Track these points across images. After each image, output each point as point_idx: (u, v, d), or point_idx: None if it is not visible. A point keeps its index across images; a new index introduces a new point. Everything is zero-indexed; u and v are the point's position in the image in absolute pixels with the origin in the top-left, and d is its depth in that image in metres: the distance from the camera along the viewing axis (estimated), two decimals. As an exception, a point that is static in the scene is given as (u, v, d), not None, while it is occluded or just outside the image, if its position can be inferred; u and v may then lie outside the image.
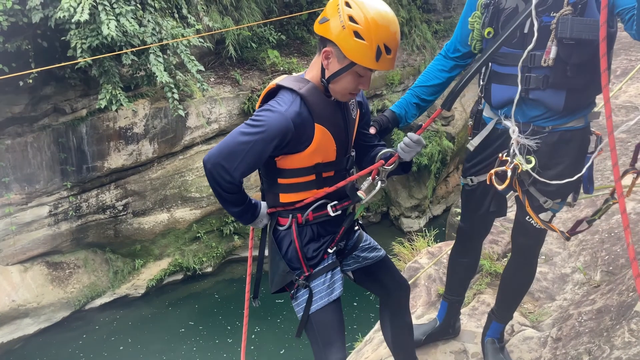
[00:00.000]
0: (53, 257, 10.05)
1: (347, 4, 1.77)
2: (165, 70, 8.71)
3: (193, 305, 10.63)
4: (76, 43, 7.85)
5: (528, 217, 2.32)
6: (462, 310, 3.14)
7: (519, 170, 2.15)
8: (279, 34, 12.11)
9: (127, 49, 8.21)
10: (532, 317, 3.07)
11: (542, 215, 2.27)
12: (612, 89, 5.44)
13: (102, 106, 8.47)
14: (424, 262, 3.60)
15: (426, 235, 4.03)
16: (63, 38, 8.07)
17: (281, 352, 8.98)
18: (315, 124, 1.87)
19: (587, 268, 3.31)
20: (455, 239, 2.79)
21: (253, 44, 11.67)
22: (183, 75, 9.92)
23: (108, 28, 7.61)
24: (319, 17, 1.86)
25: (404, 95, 2.48)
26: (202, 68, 9.24)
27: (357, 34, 1.75)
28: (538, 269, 3.44)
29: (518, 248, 2.52)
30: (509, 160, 2.17)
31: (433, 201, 13.86)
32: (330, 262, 2.13)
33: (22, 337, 9.40)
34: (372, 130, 2.20)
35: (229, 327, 9.67)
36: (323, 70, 1.88)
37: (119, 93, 8.55)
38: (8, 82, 7.76)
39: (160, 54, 8.67)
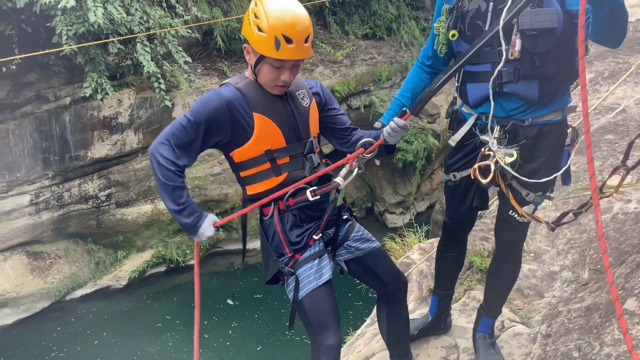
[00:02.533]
0: (33, 246, 9.89)
1: (255, 3, 1.99)
2: (152, 60, 8.60)
3: (172, 298, 10.53)
4: (61, 30, 7.70)
5: (511, 211, 2.37)
6: (453, 306, 3.17)
7: (502, 164, 2.20)
8: (268, 26, 12.05)
9: (113, 37, 8.09)
10: (522, 314, 3.12)
11: (525, 209, 2.32)
12: (600, 90, 5.54)
13: (87, 95, 8.34)
14: (415, 257, 3.63)
15: (417, 231, 4.06)
16: (48, 24, 7.91)
17: (258, 349, 8.95)
18: (254, 114, 2.04)
19: (575, 266, 3.37)
20: (441, 234, 2.83)
21: (241, 36, 11.57)
22: (170, 65, 9.81)
23: (95, 15, 7.48)
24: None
25: (390, 105, 2.60)
26: (189, 59, 9.15)
27: (258, 28, 1.95)
28: (527, 266, 3.51)
29: (502, 243, 2.57)
30: (492, 155, 2.22)
31: (417, 198, 13.96)
32: (317, 249, 2.18)
33: (1, 327, 9.25)
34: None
35: (205, 322, 9.60)
36: (251, 66, 2.08)
37: (105, 82, 8.42)
38: (-10, 68, 7.59)
39: (147, 43, 8.56)
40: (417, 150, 12.76)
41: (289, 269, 2.14)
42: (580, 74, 1.67)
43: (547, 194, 2.40)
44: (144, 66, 8.46)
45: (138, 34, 8.28)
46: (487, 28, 2.14)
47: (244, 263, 2.50)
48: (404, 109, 2.26)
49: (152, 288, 10.73)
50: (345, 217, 2.33)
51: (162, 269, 11.08)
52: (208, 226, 2.08)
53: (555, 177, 2.23)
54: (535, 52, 2.08)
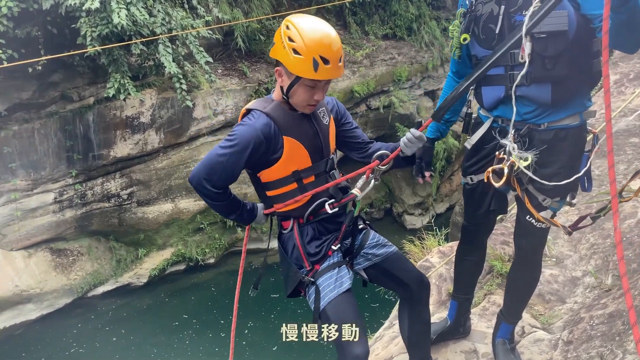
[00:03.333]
0: (57, 243, 10.08)
1: (287, 27, 2.04)
2: (173, 61, 8.69)
3: (190, 297, 10.63)
4: (86, 31, 7.83)
5: (528, 216, 2.35)
6: (472, 311, 3.15)
7: (516, 168, 2.19)
8: (288, 27, 12.08)
9: (136, 38, 8.20)
10: (543, 319, 3.08)
11: (542, 214, 2.30)
12: (625, 92, 5.43)
13: (111, 95, 8.46)
14: (435, 261, 3.61)
15: (437, 234, 4.04)
16: (73, 26, 8.05)
17: (274, 349, 8.95)
18: (283, 137, 2.10)
19: (598, 272, 3.32)
20: (460, 238, 2.82)
21: (261, 37, 11.64)
22: (191, 66, 9.90)
23: (118, 17, 7.58)
24: (271, 44, 2.14)
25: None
26: (210, 59, 9.22)
27: (294, 51, 2.00)
28: (549, 271, 3.46)
29: (521, 249, 2.54)
30: (506, 158, 2.21)
31: (437, 199, 13.88)
32: (336, 259, 2.23)
33: (24, 323, 9.44)
34: (428, 178, 2.57)
35: (222, 322, 9.67)
36: (282, 88, 2.12)
37: (127, 82, 8.54)
38: (17, 69, 7.75)
39: (169, 44, 8.65)
40: (437, 151, 12.67)
41: (310, 279, 2.20)
42: (604, 79, 1.65)
43: (568, 200, 2.36)
44: (165, 67, 8.56)
45: (160, 36, 8.38)
46: (497, 31, 2.17)
47: (266, 260, 2.53)
48: (420, 120, 2.27)
49: (171, 286, 10.86)
50: (360, 226, 2.38)
51: (182, 267, 11.21)
52: (262, 215, 2.32)
53: (569, 182, 2.20)
54: (546, 55, 2.08)
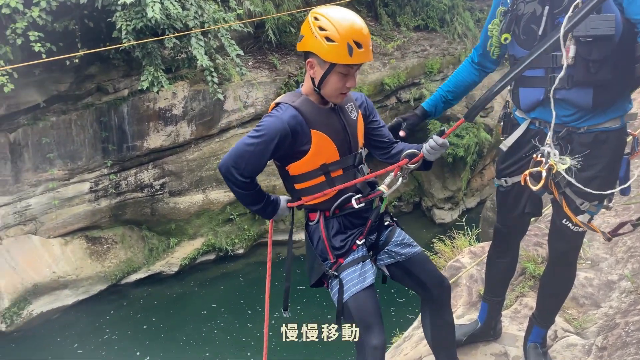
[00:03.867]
0: (92, 232, 10.38)
1: (316, 18, 2.09)
2: (205, 54, 8.78)
3: (219, 287, 10.78)
4: (121, 25, 7.98)
5: (565, 220, 2.31)
6: (504, 313, 3.11)
7: (554, 171, 2.15)
8: (319, 19, 12.03)
9: (170, 31, 8.31)
10: (577, 324, 3.03)
11: (579, 218, 2.25)
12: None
13: (144, 87, 8.62)
14: (465, 261, 3.58)
15: (467, 233, 4.00)
16: (109, 19, 8.21)
17: (298, 341, 9.04)
18: (311, 130, 2.13)
19: (635, 276, 3.23)
20: (492, 240, 2.79)
21: (292, 29, 11.64)
22: (222, 58, 9.99)
23: (152, 11, 7.70)
24: (299, 38, 2.18)
25: (434, 93, 2.62)
26: (241, 52, 9.29)
27: (328, 39, 2.04)
28: (583, 274, 3.39)
29: (555, 253, 2.50)
30: (544, 161, 2.17)
31: (467, 194, 13.70)
32: (360, 254, 2.25)
33: (61, 308, 9.77)
34: (402, 134, 2.45)
35: (249, 312, 9.79)
36: (313, 80, 2.15)
37: (161, 75, 8.68)
38: (55, 61, 7.95)
39: (201, 37, 8.75)
40: (468, 145, 12.49)
41: (333, 272, 2.24)
42: None
43: (605, 203, 2.31)
44: (197, 60, 8.66)
45: (193, 31, 8.47)
46: (540, 32, 2.12)
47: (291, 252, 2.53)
48: (443, 128, 2.27)
49: (201, 275, 11.05)
50: (386, 222, 2.40)
51: (212, 257, 11.40)
52: (284, 208, 2.35)
53: (607, 184, 2.18)
54: (590, 59, 2.03)
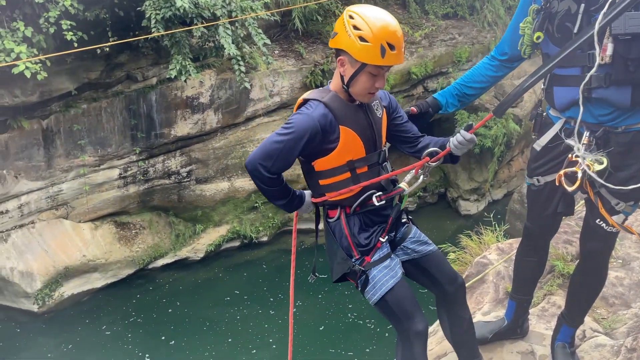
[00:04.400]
0: (121, 217, 10.61)
1: (351, 17, 2.08)
2: (233, 43, 8.81)
3: (242, 273, 10.92)
4: (150, 14, 8.05)
5: (598, 220, 2.28)
6: (531, 311, 3.09)
7: (590, 171, 2.11)
8: (345, 6, 11.94)
9: (198, 20, 8.36)
10: (606, 324, 2.99)
11: (614, 218, 2.23)
12: None
13: (173, 76, 8.70)
14: (493, 258, 3.55)
15: (495, 229, 3.96)
16: (138, 8, 8.30)
17: (321, 329, 9.07)
18: (340, 126, 2.14)
19: (668, 277, 3.17)
20: (521, 238, 2.76)
21: (319, 17, 11.57)
22: (249, 47, 10.01)
23: (182, 0, 7.74)
24: (332, 34, 2.18)
25: (449, 85, 2.60)
26: (268, 41, 9.28)
27: (361, 39, 2.03)
28: (614, 274, 3.34)
29: (587, 253, 2.47)
30: (580, 161, 2.14)
31: (494, 185, 13.52)
32: (385, 251, 2.30)
33: (91, 290, 10.06)
34: (413, 110, 2.48)
35: (271, 299, 9.89)
36: (342, 78, 2.15)
37: (189, 64, 8.74)
38: (86, 50, 8.08)
39: (228, 26, 8.77)
40: (496, 136, 12.29)
41: (361, 268, 2.27)
42: None
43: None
44: (225, 49, 8.70)
45: (221, 21, 8.49)
46: (576, 30, 2.08)
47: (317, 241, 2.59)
48: (470, 122, 2.24)
49: (226, 262, 11.21)
50: (403, 220, 2.44)
51: (237, 244, 11.54)
52: (309, 203, 2.40)
53: None
54: (629, 58, 1.99)
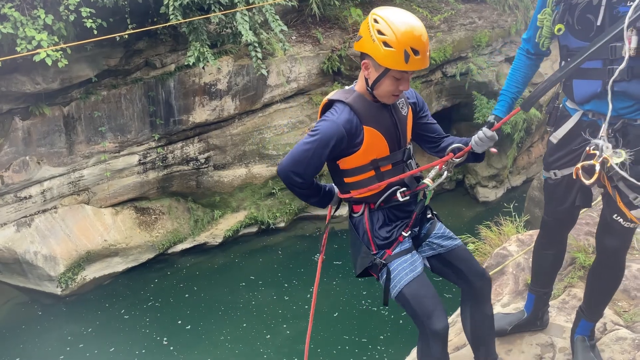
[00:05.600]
0: (141, 202, 10.75)
1: (375, 21, 2.09)
2: (250, 29, 8.79)
3: (258, 259, 11.00)
4: (168, 1, 8.06)
5: (616, 215, 2.27)
6: (551, 303, 3.09)
7: (608, 165, 2.11)
8: (364, -9, 11.81)
9: (215, 6, 8.35)
10: (627, 317, 2.97)
11: (633, 212, 2.20)
12: None
13: (191, 63, 8.72)
14: (512, 249, 3.54)
15: (515, 220, 3.93)
16: (156, -5, 8.32)
17: (335, 315, 9.11)
18: (364, 127, 2.19)
19: (692, 270, 3.13)
20: (539, 231, 2.76)
21: (336, 2, 11.47)
22: (266, 33, 9.98)
23: (199, -14, 7.74)
24: (357, 37, 2.20)
25: (501, 97, 2.55)
26: (285, 28, 9.23)
27: (385, 44, 2.05)
28: (636, 266, 3.31)
29: (603, 249, 2.45)
30: (597, 154, 2.12)
31: (513, 171, 13.38)
32: (407, 245, 2.34)
33: (112, 274, 10.25)
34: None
35: (286, 285, 9.94)
36: (367, 81, 2.19)
37: (207, 50, 8.76)
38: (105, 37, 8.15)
39: (246, 12, 8.75)
40: (516, 122, 12.12)
41: (382, 261, 2.30)
42: None
43: None
44: (242, 35, 8.69)
45: (239, 9, 8.46)
46: (599, 23, 2.05)
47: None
48: (492, 119, 2.21)
49: (243, 247, 11.31)
50: (428, 215, 2.45)
51: (254, 229, 11.64)
52: (337, 198, 2.48)
53: None
54: None
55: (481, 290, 2.39)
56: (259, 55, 9.10)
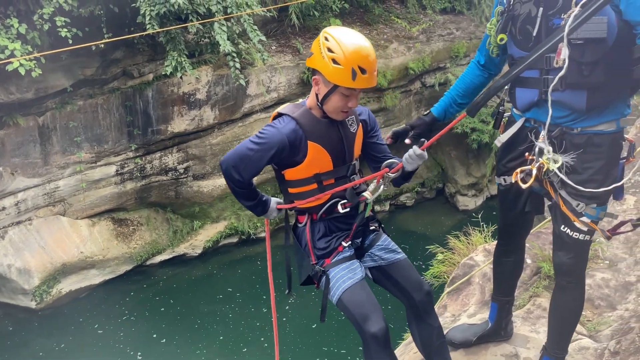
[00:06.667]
0: (118, 213, 10.62)
1: (326, 38, 2.16)
2: (228, 39, 8.79)
3: (237, 270, 10.89)
4: (145, 10, 8.03)
5: (563, 226, 2.26)
6: (516, 313, 3.10)
7: (544, 170, 2.14)
8: (343, 2, 11.89)
9: (193, 16, 8.33)
10: (590, 326, 2.99)
11: (581, 219, 2.21)
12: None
13: (168, 72, 8.70)
14: (479, 259, 3.55)
15: (483, 230, 3.95)
16: (133, 4, 8.27)
17: (313, 327, 9.02)
18: (308, 141, 2.25)
19: (654, 279, 3.17)
20: (497, 239, 2.77)
21: (316, 12, 11.53)
22: (245, 43, 9.98)
23: (176, -4, 7.72)
24: (309, 53, 2.27)
25: (442, 98, 2.64)
26: (263, 38, 9.25)
27: (334, 61, 2.13)
28: (600, 275, 3.34)
29: (558, 266, 2.38)
30: (535, 159, 2.17)
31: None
32: (347, 254, 2.40)
33: (89, 287, 10.08)
34: (389, 141, 2.54)
35: (264, 297, 9.83)
36: (317, 95, 2.26)
37: (184, 60, 8.73)
38: (81, 47, 8.07)
39: (224, 22, 8.74)
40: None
41: (321, 268, 2.37)
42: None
43: (608, 211, 2.27)
44: (220, 45, 8.67)
45: (217, 19, 8.46)
46: (535, 33, 2.13)
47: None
48: (423, 139, 2.30)
49: (223, 258, 11.22)
50: (372, 227, 2.51)
51: (235, 240, 11.55)
52: (274, 209, 2.49)
53: (605, 188, 2.15)
54: (583, 62, 2.02)
55: (421, 304, 2.41)
56: (237, 65, 9.09)
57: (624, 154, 2.26)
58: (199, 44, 9.72)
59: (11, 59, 7.38)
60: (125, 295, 10.03)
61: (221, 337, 8.88)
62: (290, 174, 2.33)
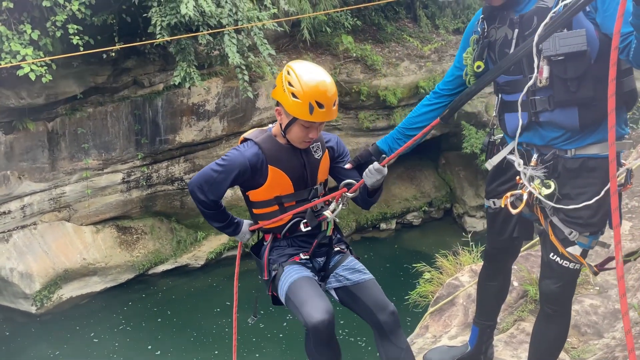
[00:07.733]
0: (123, 221, 10.66)
1: (288, 72, 2.26)
2: (237, 52, 8.84)
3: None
4: (156, 20, 8.13)
5: (552, 254, 2.17)
6: (499, 337, 2.99)
7: (535, 195, 2.07)
8: (355, 19, 11.95)
9: (203, 28, 8.41)
10: (575, 354, 2.87)
11: (569, 250, 2.10)
12: None
13: (177, 83, 8.77)
14: (465, 279, 3.45)
15: (472, 250, 3.85)
16: (145, 14, 8.39)
17: (280, 336, 8.93)
18: (269, 166, 2.35)
19: (645, 307, 3.03)
20: (483, 262, 2.68)
21: (328, 29, 11.59)
22: (255, 57, 10.04)
23: (186, 7, 7.80)
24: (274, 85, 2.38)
25: (392, 130, 2.63)
26: (273, 52, 9.30)
27: (293, 95, 2.22)
28: (589, 301, 3.22)
29: (545, 294, 2.28)
30: (525, 184, 2.10)
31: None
32: (303, 261, 2.44)
33: (90, 294, 10.09)
34: (348, 166, 2.56)
35: (261, 312, 9.73)
36: (280, 125, 2.37)
37: (193, 71, 8.80)
38: (93, 54, 8.17)
39: (234, 35, 8.81)
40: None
41: (273, 273, 2.42)
42: (609, 113, 1.47)
43: (601, 241, 2.15)
44: (229, 58, 8.73)
45: (226, 28, 8.53)
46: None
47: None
48: (384, 155, 2.31)
49: (224, 270, 11.14)
50: (337, 249, 2.55)
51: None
52: (246, 231, 2.59)
53: (598, 215, 2.06)
54: (567, 78, 1.95)
55: (386, 325, 2.34)
56: (246, 78, 9.13)
57: (621, 180, 2.11)
58: (209, 56, 9.80)
59: (21, 63, 7.50)
60: (124, 304, 10.00)
61: (216, 352, 8.78)
62: (253, 195, 2.43)
